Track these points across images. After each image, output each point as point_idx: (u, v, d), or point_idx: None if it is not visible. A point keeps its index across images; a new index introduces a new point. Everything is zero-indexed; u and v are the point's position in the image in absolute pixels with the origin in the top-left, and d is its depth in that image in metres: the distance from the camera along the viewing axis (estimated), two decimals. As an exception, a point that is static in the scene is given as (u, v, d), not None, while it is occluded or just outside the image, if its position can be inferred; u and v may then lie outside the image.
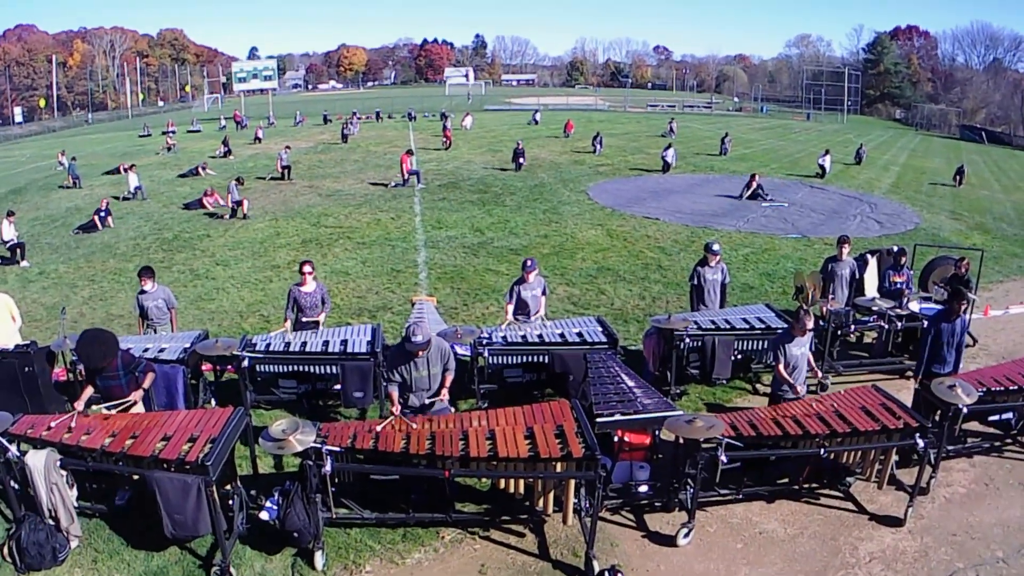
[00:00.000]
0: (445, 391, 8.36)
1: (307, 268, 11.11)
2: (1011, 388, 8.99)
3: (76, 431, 7.28)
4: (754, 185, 28.60)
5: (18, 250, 19.70)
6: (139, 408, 8.43)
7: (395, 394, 8.18)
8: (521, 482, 7.32)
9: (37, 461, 7.03)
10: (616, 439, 8.23)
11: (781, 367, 8.98)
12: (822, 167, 35.00)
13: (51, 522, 7.22)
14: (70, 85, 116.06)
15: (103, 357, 7.95)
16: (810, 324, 8.98)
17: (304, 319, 11.16)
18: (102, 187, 31.52)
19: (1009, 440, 9.78)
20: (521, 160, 34.85)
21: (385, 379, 8.49)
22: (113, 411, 7.93)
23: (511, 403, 8.24)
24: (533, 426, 7.46)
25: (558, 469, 7.11)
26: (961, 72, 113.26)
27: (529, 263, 11.18)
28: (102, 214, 23.70)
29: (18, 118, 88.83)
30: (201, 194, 27.07)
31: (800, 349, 9.04)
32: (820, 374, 10.17)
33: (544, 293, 11.42)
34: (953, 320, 9.48)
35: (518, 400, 8.88)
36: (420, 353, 8.07)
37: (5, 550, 7.15)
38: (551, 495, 7.34)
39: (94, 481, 7.97)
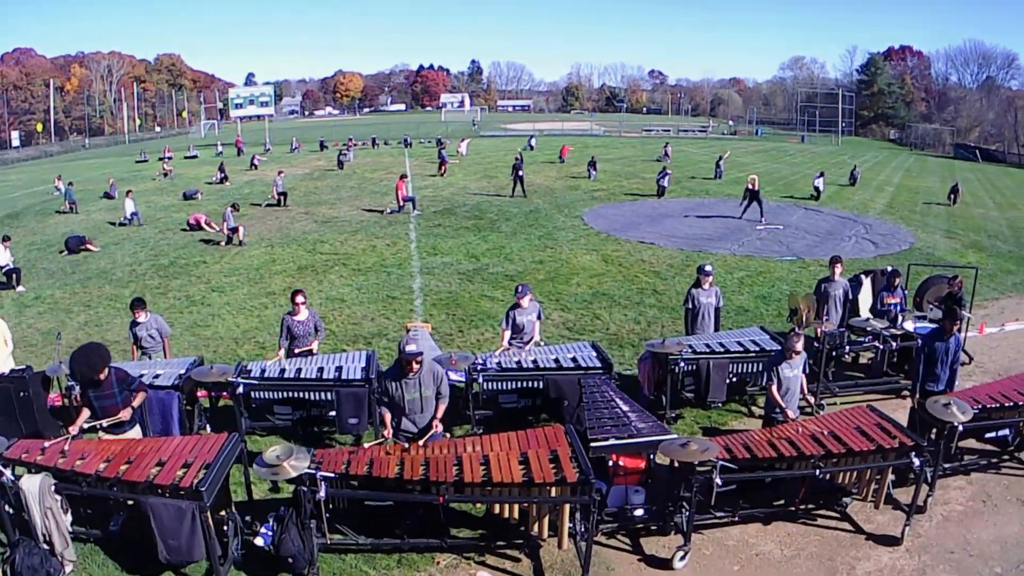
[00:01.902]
0: (438, 421, 8.32)
1: (299, 299, 11.11)
2: (1007, 405, 9.04)
3: (71, 456, 7.28)
4: (753, 188, 28.82)
5: (14, 275, 19.69)
6: (135, 431, 8.43)
7: (388, 416, 8.17)
8: (516, 507, 7.31)
9: (32, 486, 7.02)
10: (611, 463, 8.24)
11: (774, 389, 9.01)
12: (817, 189, 35.12)
13: (46, 547, 7.20)
14: (67, 110, 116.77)
15: (95, 367, 7.94)
16: (799, 346, 9.01)
17: (298, 347, 11.15)
18: (99, 212, 31.64)
19: (1006, 457, 9.81)
20: (520, 173, 34.52)
21: (378, 403, 8.49)
22: (106, 430, 7.96)
23: (506, 428, 8.26)
24: (527, 451, 7.47)
25: (553, 494, 7.11)
26: (954, 91, 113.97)
27: (520, 289, 11.23)
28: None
29: (15, 142, 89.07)
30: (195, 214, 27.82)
31: (793, 371, 9.07)
32: (813, 401, 10.17)
33: (539, 318, 11.43)
34: (947, 339, 9.52)
35: (513, 425, 8.88)
36: (413, 371, 8.04)
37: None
38: (546, 520, 7.33)
39: (89, 506, 7.94)
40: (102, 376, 8.01)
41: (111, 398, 8.13)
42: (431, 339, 13.22)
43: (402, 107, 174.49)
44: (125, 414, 8.17)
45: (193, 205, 32.06)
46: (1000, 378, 10.99)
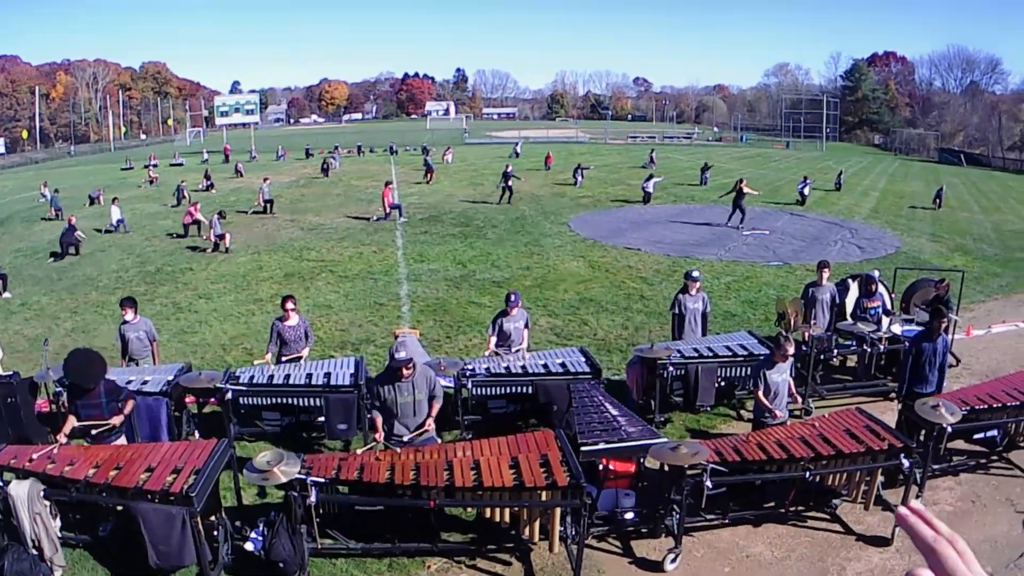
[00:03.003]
0: (431, 421, 8.31)
1: (289, 305, 11.13)
2: (995, 406, 9.11)
3: (59, 462, 7.25)
4: (741, 188, 28.67)
5: (0, 282, 19.58)
6: (121, 442, 8.40)
7: (379, 420, 8.14)
8: (507, 511, 7.31)
9: (20, 491, 6.99)
10: (601, 467, 8.25)
11: (760, 393, 9.03)
12: (802, 194, 35.26)
13: (34, 552, 7.16)
14: (53, 117, 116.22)
15: (92, 377, 7.93)
16: (791, 350, 9.04)
17: (287, 353, 11.14)
18: (85, 220, 31.34)
19: (994, 457, 9.87)
20: (510, 182, 34.50)
21: (368, 407, 8.47)
22: (94, 439, 7.93)
23: (495, 434, 8.26)
24: (518, 456, 7.47)
25: (543, 498, 7.11)
26: (938, 96, 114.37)
27: (512, 297, 11.24)
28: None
29: (0, 149, 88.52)
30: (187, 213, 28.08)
31: (781, 375, 9.09)
32: (800, 401, 10.19)
33: (527, 326, 11.45)
34: (934, 339, 9.58)
35: (502, 431, 8.88)
36: (405, 375, 8.02)
37: (-13, 582, 7.10)
38: (537, 523, 7.33)
39: (77, 511, 7.91)
40: (93, 387, 8.00)
41: (97, 407, 8.11)
42: (420, 345, 13.19)
43: (359, 116, 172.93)
44: (117, 420, 8.15)
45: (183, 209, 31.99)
46: (988, 379, 11.08)
